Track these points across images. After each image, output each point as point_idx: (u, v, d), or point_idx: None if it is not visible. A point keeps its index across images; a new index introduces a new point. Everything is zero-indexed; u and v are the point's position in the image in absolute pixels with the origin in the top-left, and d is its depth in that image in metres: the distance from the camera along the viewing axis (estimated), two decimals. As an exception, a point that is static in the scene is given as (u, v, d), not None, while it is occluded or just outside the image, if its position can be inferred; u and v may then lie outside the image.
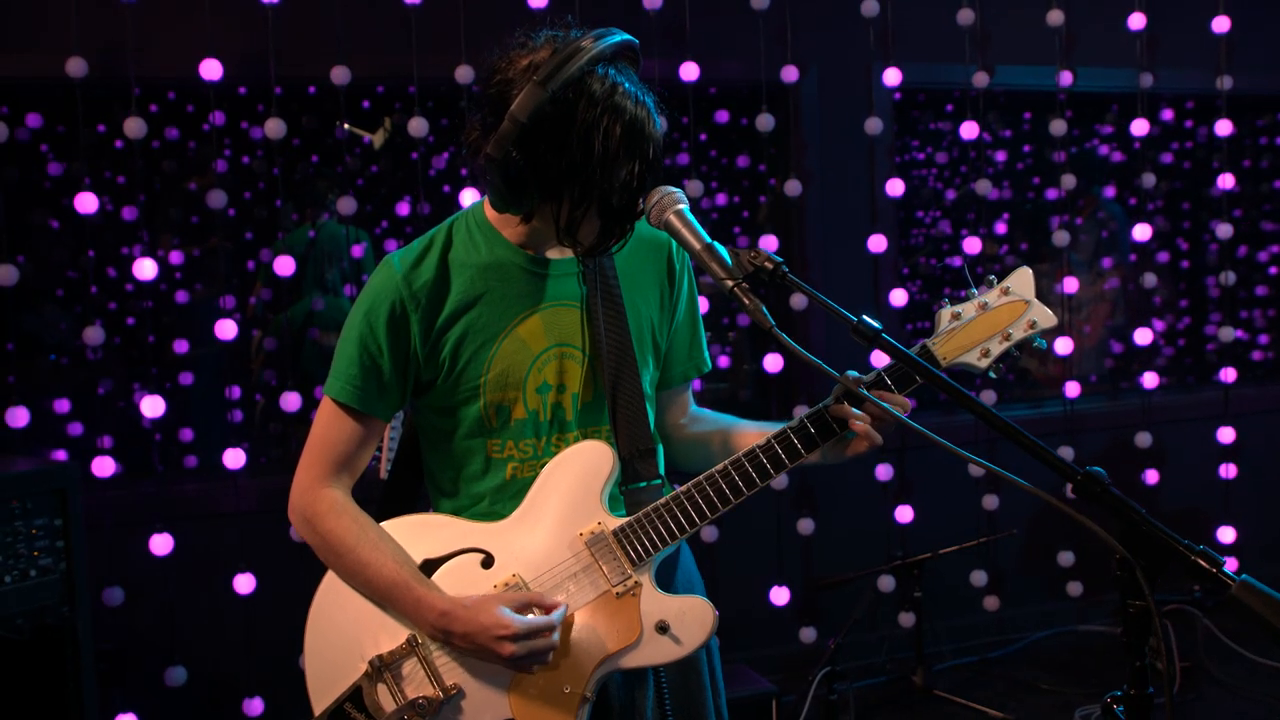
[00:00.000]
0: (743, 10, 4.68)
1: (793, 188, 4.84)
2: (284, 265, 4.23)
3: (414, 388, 2.09)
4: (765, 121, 4.71)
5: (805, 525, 4.90)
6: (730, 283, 1.77)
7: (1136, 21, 5.24)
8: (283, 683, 3.43)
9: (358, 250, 5.00)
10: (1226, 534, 5.45)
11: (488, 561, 2.06)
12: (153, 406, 4.04)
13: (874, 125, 4.91)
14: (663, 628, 2.06)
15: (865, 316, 1.65)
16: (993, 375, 2.09)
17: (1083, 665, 5.01)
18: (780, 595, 4.84)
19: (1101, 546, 1.45)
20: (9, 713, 3.28)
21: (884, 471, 4.98)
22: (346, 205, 4.28)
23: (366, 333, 2.03)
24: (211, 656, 4.28)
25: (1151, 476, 5.36)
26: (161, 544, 4.08)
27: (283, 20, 4.25)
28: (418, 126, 4.32)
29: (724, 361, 5.64)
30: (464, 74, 4.33)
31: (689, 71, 4.61)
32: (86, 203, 3.98)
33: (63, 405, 4.66)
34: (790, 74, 4.79)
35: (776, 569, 4.91)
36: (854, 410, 2.01)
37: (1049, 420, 5.34)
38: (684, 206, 1.90)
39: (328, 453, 2.08)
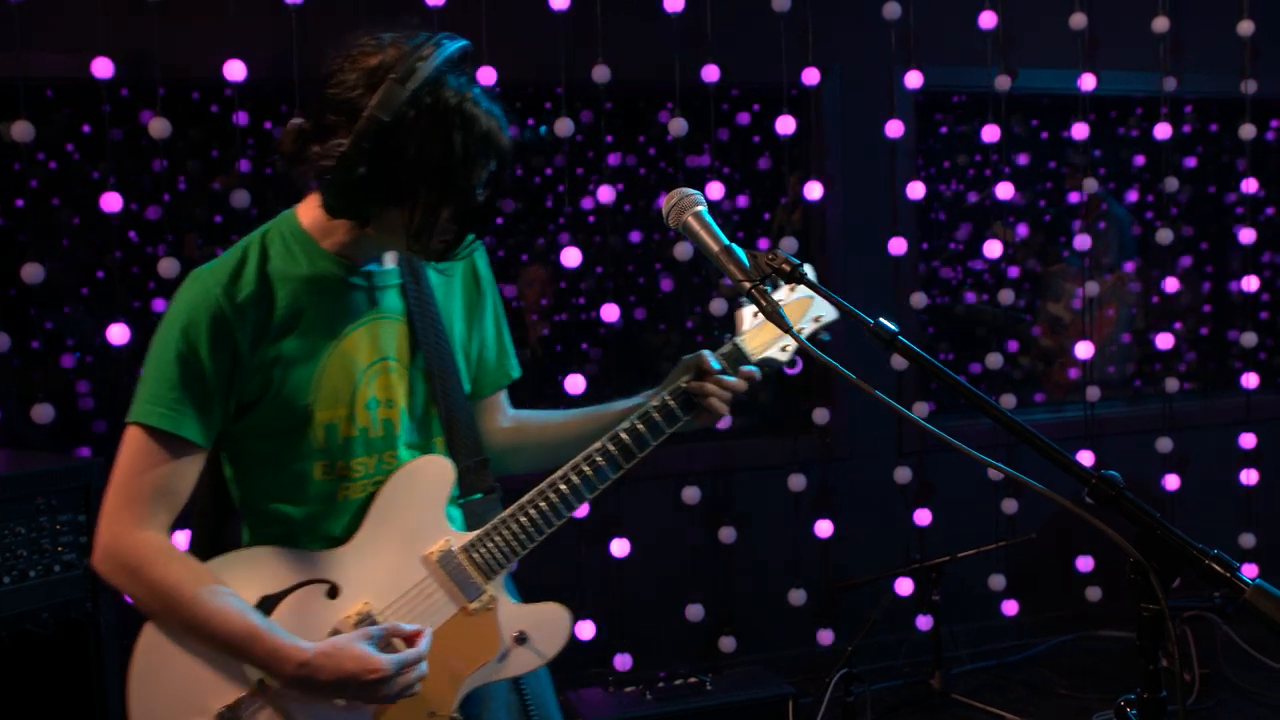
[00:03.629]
0: (764, 12, 4.68)
1: (813, 190, 4.84)
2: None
3: (234, 410, 1.94)
4: (786, 124, 4.72)
5: (824, 527, 4.90)
6: (748, 285, 1.76)
7: (1160, 25, 5.22)
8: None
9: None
10: (1247, 540, 5.42)
11: (332, 591, 1.97)
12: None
13: (895, 128, 4.91)
14: (522, 639, 2.06)
15: (882, 319, 1.65)
16: (789, 371, 2.24)
17: (1101, 671, 4.99)
18: (798, 597, 4.84)
19: (1121, 552, 1.45)
20: (33, 707, 3.31)
21: (903, 474, 4.97)
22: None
23: (185, 350, 1.87)
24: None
25: (1172, 482, 5.34)
26: (185, 540, 4.09)
27: (306, 21, 4.28)
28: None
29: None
30: (485, 75, 4.35)
31: (710, 74, 4.62)
32: (112, 202, 4.02)
33: (87, 403, 4.70)
34: (812, 76, 4.79)
35: (794, 570, 4.91)
36: (709, 385, 2.10)
37: (1069, 424, 5.32)
38: (703, 208, 1.89)
39: (144, 489, 1.89)
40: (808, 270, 1.85)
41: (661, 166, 5.51)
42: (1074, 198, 5.64)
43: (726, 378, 2.13)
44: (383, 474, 2.02)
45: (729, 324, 5.52)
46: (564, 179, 4.73)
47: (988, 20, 4.97)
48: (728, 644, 4.77)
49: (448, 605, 2.03)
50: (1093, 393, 5.24)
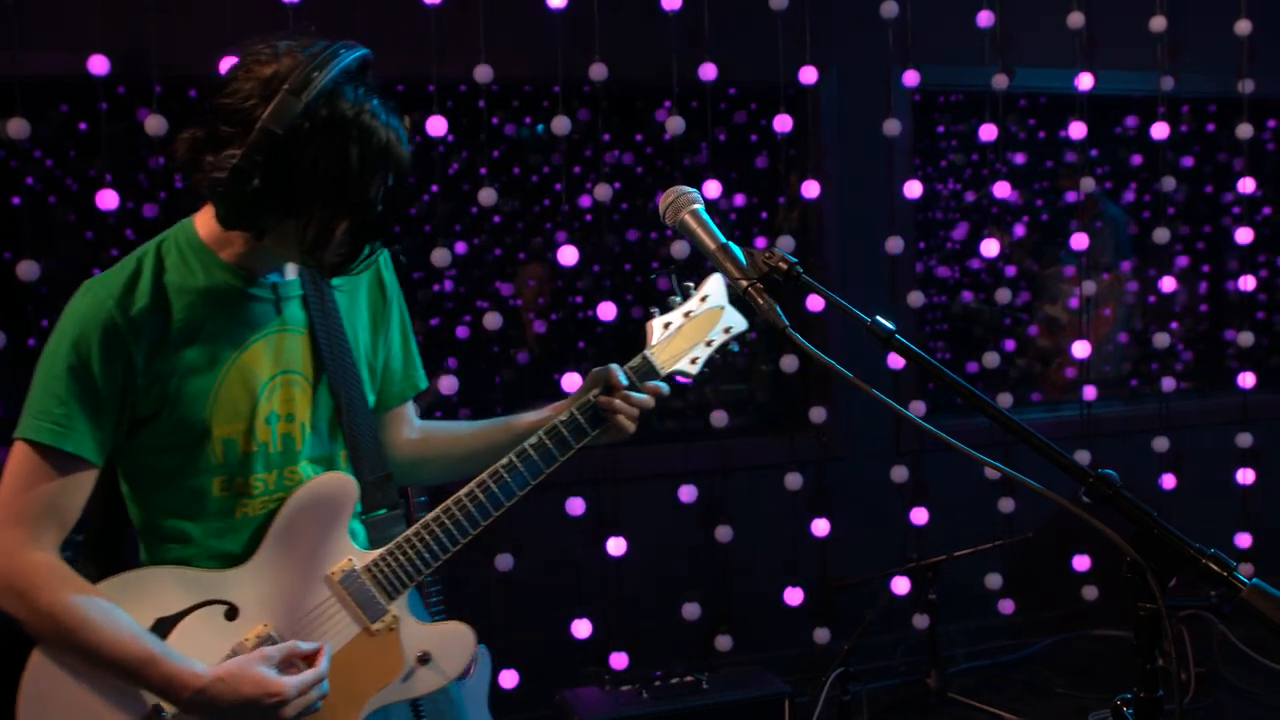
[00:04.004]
0: (762, 11, 4.68)
1: (811, 189, 4.84)
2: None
3: (128, 426, 1.88)
4: (784, 123, 4.71)
5: (820, 526, 4.90)
6: (745, 283, 1.75)
7: (1158, 24, 5.23)
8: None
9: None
10: (1244, 540, 5.42)
11: (231, 613, 1.92)
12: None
13: (893, 127, 4.91)
14: (425, 659, 2.03)
15: (879, 318, 1.65)
16: (704, 373, 2.20)
17: (1098, 670, 5.00)
18: (795, 596, 4.85)
19: (1117, 551, 1.45)
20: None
21: (900, 473, 4.97)
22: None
23: (76, 364, 1.80)
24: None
25: (1169, 481, 5.34)
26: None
27: (303, 18, 4.27)
28: (436, 125, 4.34)
29: (740, 362, 5.63)
30: (483, 73, 4.35)
31: (707, 72, 4.61)
32: (108, 200, 4.01)
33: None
34: (809, 75, 4.79)
35: (791, 570, 4.91)
36: (617, 401, 2.09)
37: (1066, 424, 5.33)
38: (699, 206, 1.87)
39: (31, 508, 1.81)
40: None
41: (659, 165, 5.50)
42: (1070, 197, 5.64)
43: (634, 394, 2.11)
44: (284, 490, 1.97)
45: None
46: (561, 177, 4.72)
47: (985, 19, 4.97)
48: (724, 643, 4.77)
49: (350, 626, 1.99)
50: (1089, 392, 5.24)
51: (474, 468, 2.09)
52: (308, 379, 1.99)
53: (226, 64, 4.05)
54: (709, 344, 2.21)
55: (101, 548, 2.02)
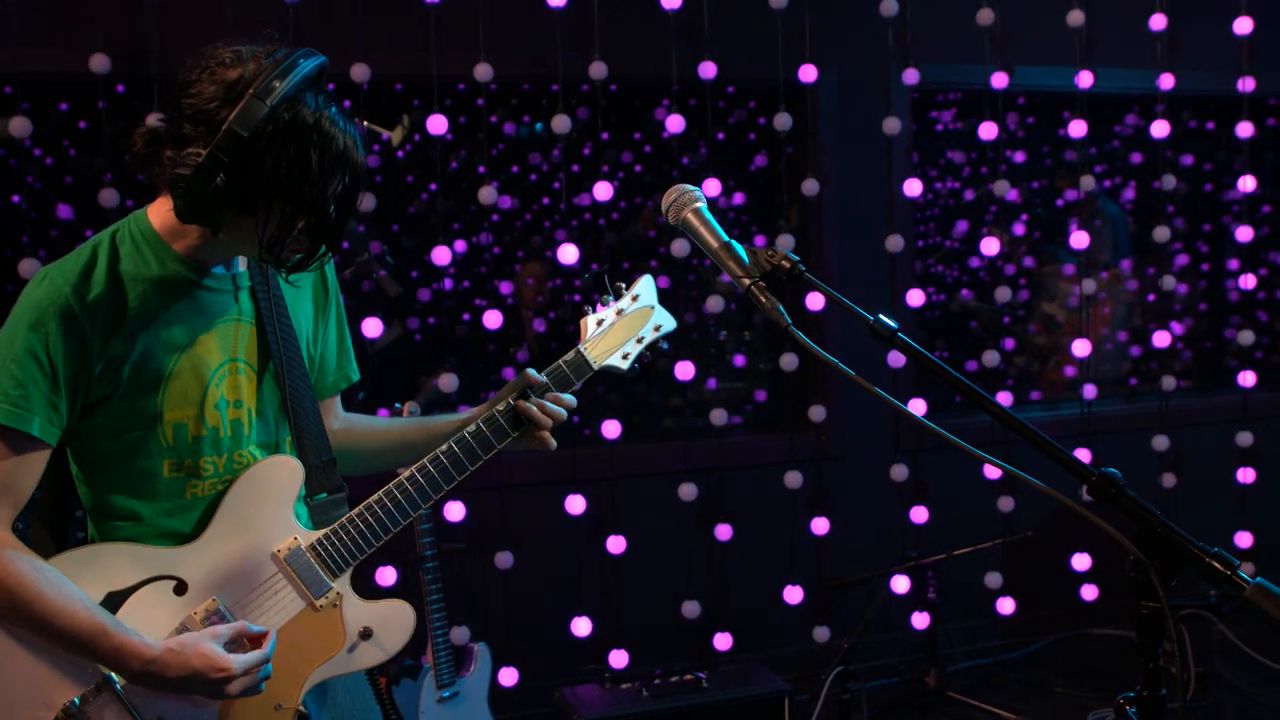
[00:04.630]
0: (761, 10, 4.68)
1: (810, 187, 4.84)
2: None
3: (81, 408, 1.95)
4: (783, 121, 4.71)
5: (820, 525, 4.90)
6: (747, 281, 1.75)
7: (1157, 22, 5.23)
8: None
9: (375, 246, 5.02)
10: (1244, 539, 5.42)
11: (180, 588, 1.99)
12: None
13: (892, 125, 4.91)
14: (366, 634, 2.13)
15: (882, 316, 1.65)
16: (635, 369, 2.34)
17: (1096, 669, 5.00)
18: (794, 595, 4.85)
19: (1117, 549, 1.45)
20: None
21: (899, 472, 4.97)
22: (365, 201, 4.30)
23: (36, 346, 1.87)
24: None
25: (1169, 480, 5.35)
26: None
27: (302, 16, 4.27)
28: (437, 124, 4.34)
29: (739, 360, 5.64)
30: (483, 72, 4.35)
31: (707, 70, 4.61)
32: (109, 198, 4.01)
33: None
34: (809, 73, 4.79)
35: (790, 568, 4.91)
36: (534, 409, 2.19)
37: (1065, 423, 5.33)
38: (702, 205, 1.88)
39: None
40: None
41: (658, 164, 5.50)
42: (1070, 195, 5.64)
43: (548, 403, 2.22)
44: (232, 473, 2.06)
45: (724, 321, 5.51)
46: (560, 176, 4.72)
47: (985, 17, 4.97)
48: (724, 641, 4.77)
49: (295, 601, 2.08)
50: (1089, 391, 5.24)
51: (387, 462, 2.27)
52: (254, 368, 2.08)
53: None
54: (640, 340, 2.34)
55: (50, 528, 2.08)
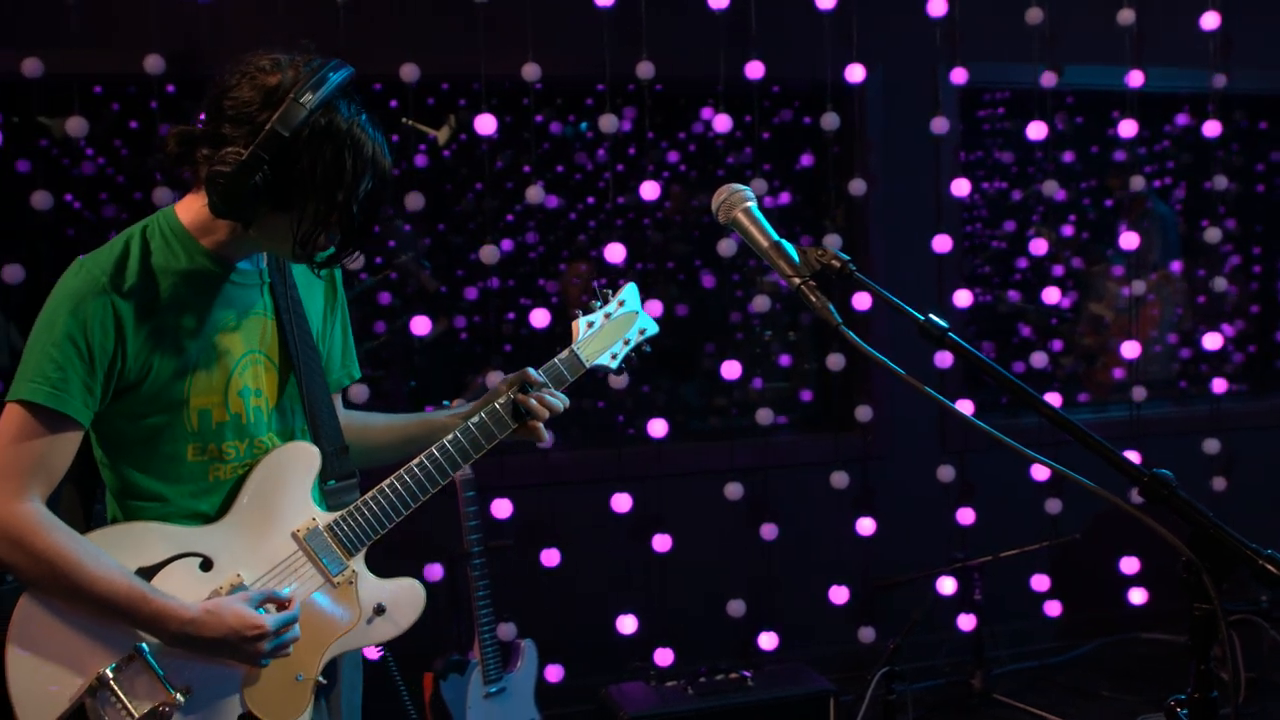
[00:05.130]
0: (808, 10, 4.68)
1: (857, 187, 4.83)
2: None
3: (113, 393, 2.05)
4: (830, 120, 4.71)
5: (865, 525, 4.89)
6: (797, 280, 1.76)
7: (1210, 21, 5.17)
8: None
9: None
10: (1295, 542, 5.35)
11: (206, 564, 2.10)
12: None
13: (940, 125, 4.89)
14: (380, 610, 2.26)
15: (933, 315, 1.65)
16: (623, 369, 2.53)
17: (1145, 674, 4.96)
18: (840, 595, 4.84)
19: (1167, 554, 1.45)
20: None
21: (946, 473, 4.95)
22: (414, 201, 4.33)
23: (75, 331, 1.98)
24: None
25: (1219, 484, 5.29)
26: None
27: (354, 18, 4.31)
28: (485, 124, 4.37)
29: (785, 360, 5.63)
30: (531, 71, 4.38)
31: (754, 70, 4.62)
32: (162, 196, 4.07)
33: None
34: (856, 73, 4.78)
35: (836, 568, 4.91)
36: (533, 402, 2.34)
37: (1113, 425, 5.28)
38: (752, 204, 1.89)
39: (24, 463, 1.98)
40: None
41: (704, 163, 5.51)
42: (1119, 195, 5.59)
43: (546, 396, 2.38)
44: (253, 457, 2.17)
45: (770, 320, 5.50)
46: (605, 175, 4.74)
47: (1034, 16, 4.94)
48: (769, 640, 4.77)
49: (314, 578, 2.20)
50: (1139, 392, 5.20)
51: (389, 457, 2.38)
52: (273, 361, 2.21)
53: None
54: (626, 342, 2.54)
55: (74, 513, 2.18)
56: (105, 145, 5.02)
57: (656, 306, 4.58)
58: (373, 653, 3.70)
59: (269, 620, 2.04)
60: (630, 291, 2.58)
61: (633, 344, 2.55)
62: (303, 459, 2.22)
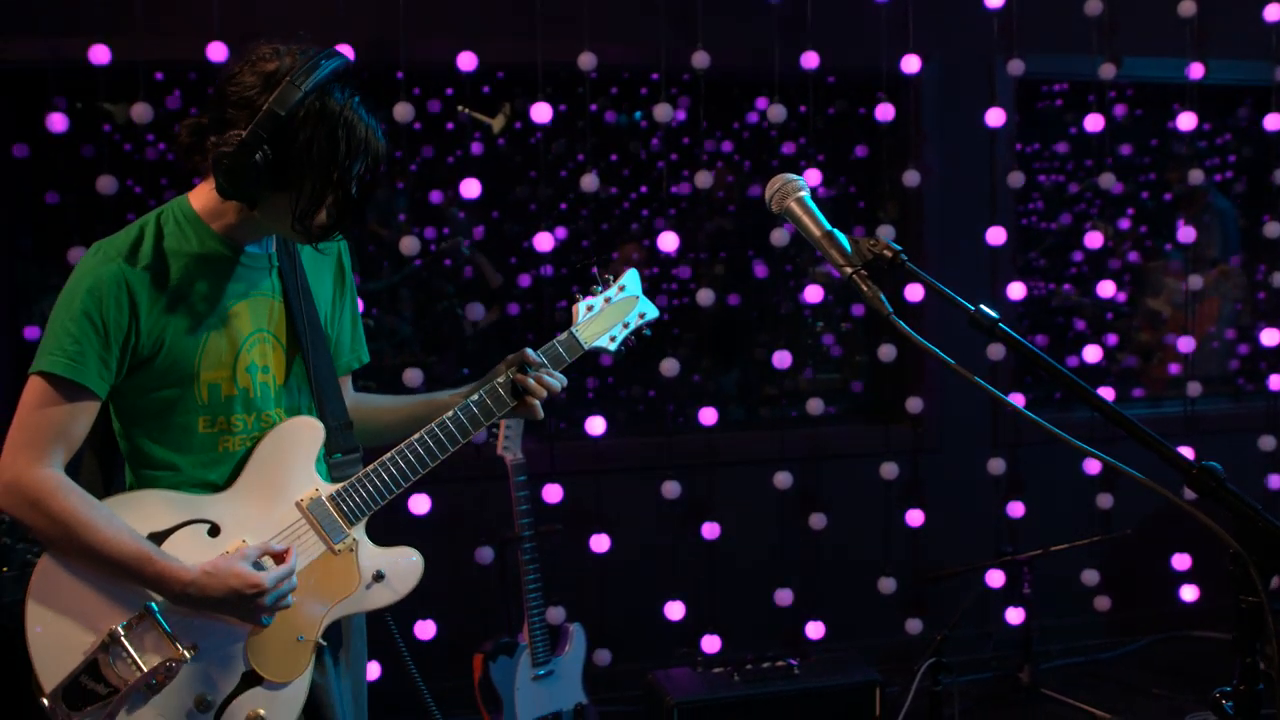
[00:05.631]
0: (864, 0, 4.67)
1: (911, 178, 4.82)
2: (409, 245, 4.35)
3: (128, 367, 2.17)
4: (885, 111, 4.70)
5: (915, 516, 4.88)
6: (850, 270, 1.77)
7: (1272, 13, 5.10)
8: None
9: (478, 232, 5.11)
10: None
11: (214, 530, 2.22)
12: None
13: (996, 116, 4.86)
14: (379, 576, 2.35)
15: (983, 306, 1.66)
16: (621, 351, 2.59)
17: (1195, 671, 4.92)
18: (888, 585, 4.84)
19: (1219, 550, 1.45)
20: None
21: (996, 465, 4.93)
22: (470, 188, 4.38)
23: (92, 307, 2.10)
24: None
25: (1275, 481, 5.23)
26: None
27: (412, 6, 4.36)
28: (541, 112, 4.40)
29: (836, 351, 5.63)
30: (587, 61, 4.40)
31: (809, 60, 4.62)
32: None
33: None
34: (911, 64, 4.77)
35: (885, 559, 4.91)
36: (530, 382, 2.42)
37: (1168, 420, 5.24)
38: (805, 194, 1.90)
39: (44, 431, 2.12)
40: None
41: (757, 153, 5.51)
42: (1178, 189, 5.53)
43: (544, 375, 2.45)
44: (260, 430, 2.29)
45: (821, 311, 5.50)
46: (659, 164, 4.76)
47: (1093, 7, 4.89)
48: (816, 629, 4.79)
49: (316, 545, 2.30)
50: (1194, 388, 5.15)
51: (396, 436, 2.42)
52: (280, 341, 2.32)
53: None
54: (625, 326, 2.60)
55: (93, 480, 2.29)
56: (166, 131, 5.10)
57: (708, 295, 4.59)
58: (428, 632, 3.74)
59: (266, 577, 2.14)
60: (631, 277, 2.66)
61: (632, 327, 2.62)
62: (308, 432, 2.32)
